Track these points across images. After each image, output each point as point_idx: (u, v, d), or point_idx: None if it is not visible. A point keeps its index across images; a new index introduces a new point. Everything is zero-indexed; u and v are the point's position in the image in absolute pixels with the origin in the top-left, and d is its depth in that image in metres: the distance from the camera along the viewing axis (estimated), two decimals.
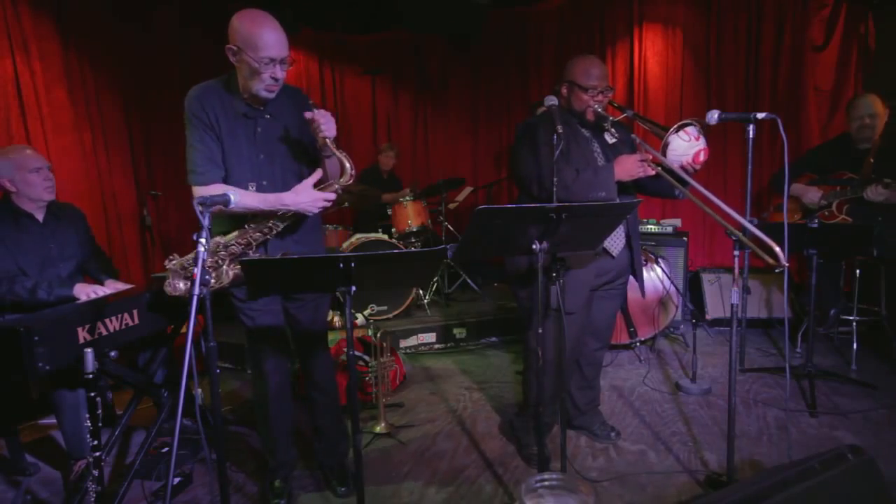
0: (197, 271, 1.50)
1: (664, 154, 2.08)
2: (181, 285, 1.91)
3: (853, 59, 4.40)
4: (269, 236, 1.97)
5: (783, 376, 3.23)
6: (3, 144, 3.50)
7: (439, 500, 2.17)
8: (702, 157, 2.05)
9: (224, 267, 1.88)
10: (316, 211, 1.98)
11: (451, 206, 5.60)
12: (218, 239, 1.93)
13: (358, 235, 4.44)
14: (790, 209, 3.75)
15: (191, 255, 1.92)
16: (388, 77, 6.43)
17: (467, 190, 5.75)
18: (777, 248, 1.72)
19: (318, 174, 1.97)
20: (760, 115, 1.96)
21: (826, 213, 3.63)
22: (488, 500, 2.15)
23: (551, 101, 2.10)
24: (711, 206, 1.95)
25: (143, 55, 4.53)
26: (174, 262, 1.92)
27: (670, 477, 2.27)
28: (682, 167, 2.07)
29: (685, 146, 2.04)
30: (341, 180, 1.96)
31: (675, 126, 2.06)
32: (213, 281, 1.86)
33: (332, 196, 1.96)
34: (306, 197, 1.93)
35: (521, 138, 2.27)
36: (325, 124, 1.87)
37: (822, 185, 3.67)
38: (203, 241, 1.53)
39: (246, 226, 1.95)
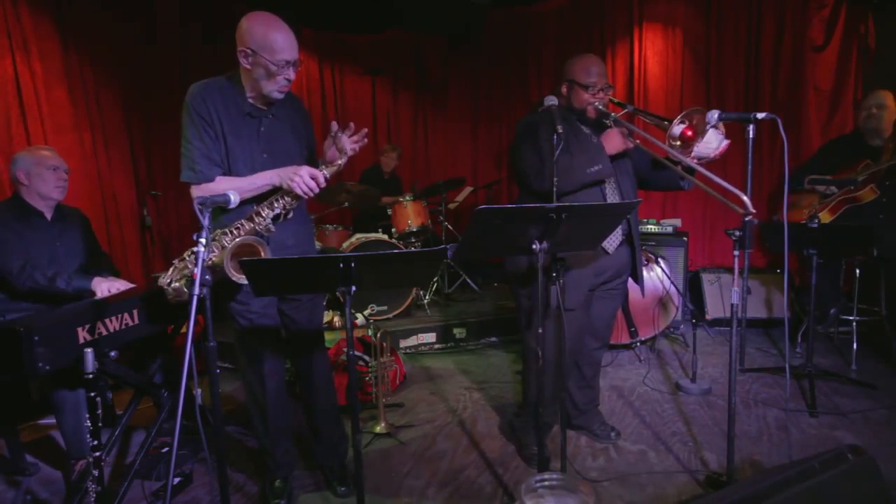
0: (197, 271, 1.50)
1: (693, 146, 2.06)
2: (182, 287, 1.90)
3: (853, 59, 4.40)
4: (258, 227, 1.92)
5: (783, 376, 3.23)
6: (3, 144, 3.51)
7: (439, 500, 2.17)
8: (725, 149, 2.07)
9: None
10: (299, 184, 1.88)
11: (451, 206, 5.60)
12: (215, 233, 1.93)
13: (358, 235, 4.44)
14: (810, 205, 3.74)
15: (187, 252, 1.91)
16: (388, 77, 6.43)
17: (467, 190, 5.76)
18: (744, 197, 1.79)
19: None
20: (760, 115, 1.96)
21: (851, 186, 3.57)
22: (488, 500, 2.15)
23: (551, 100, 2.10)
24: (717, 189, 1.95)
25: (143, 55, 4.53)
26: (166, 277, 1.91)
27: (670, 477, 2.27)
28: (703, 157, 2.08)
29: (718, 140, 2.04)
30: (332, 167, 1.96)
31: (680, 115, 2.05)
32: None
33: (320, 176, 1.90)
34: (290, 169, 1.89)
35: (522, 134, 2.27)
36: (349, 146, 1.93)
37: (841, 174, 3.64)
38: (203, 241, 1.53)
39: (242, 219, 1.92)
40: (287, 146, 2.04)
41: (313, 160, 2.12)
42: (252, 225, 1.92)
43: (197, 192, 1.89)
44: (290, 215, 2.00)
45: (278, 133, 2.03)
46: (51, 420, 2.69)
